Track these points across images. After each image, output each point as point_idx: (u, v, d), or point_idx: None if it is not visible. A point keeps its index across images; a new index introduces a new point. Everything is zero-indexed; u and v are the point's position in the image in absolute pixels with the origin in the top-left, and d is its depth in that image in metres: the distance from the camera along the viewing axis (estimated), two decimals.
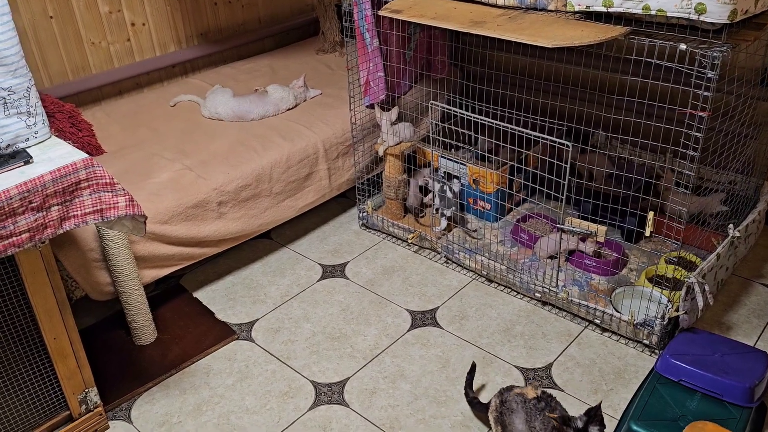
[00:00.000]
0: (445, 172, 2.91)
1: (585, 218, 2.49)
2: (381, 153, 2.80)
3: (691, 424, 1.35)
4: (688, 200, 2.56)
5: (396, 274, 2.73)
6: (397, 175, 2.86)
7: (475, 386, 2.17)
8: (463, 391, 2.10)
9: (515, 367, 2.26)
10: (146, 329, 2.40)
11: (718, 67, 1.80)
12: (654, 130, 2.34)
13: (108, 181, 1.75)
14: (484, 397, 2.11)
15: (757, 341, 2.32)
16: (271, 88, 3.04)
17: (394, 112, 2.74)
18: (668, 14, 1.85)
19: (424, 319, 2.49)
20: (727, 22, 1.77)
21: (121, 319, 2.45)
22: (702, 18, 1.80)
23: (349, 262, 2.83)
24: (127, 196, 1.79)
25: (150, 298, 2.53)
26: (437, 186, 2.76)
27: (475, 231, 2.79)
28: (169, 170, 2.56)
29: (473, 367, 2.10)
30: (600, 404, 1.68)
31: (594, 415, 1.66)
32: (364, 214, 3.01)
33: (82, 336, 2.03)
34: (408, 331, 2.44)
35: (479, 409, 2.03)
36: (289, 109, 3.03)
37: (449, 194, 2.70)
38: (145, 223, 1.86)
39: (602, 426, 1.68)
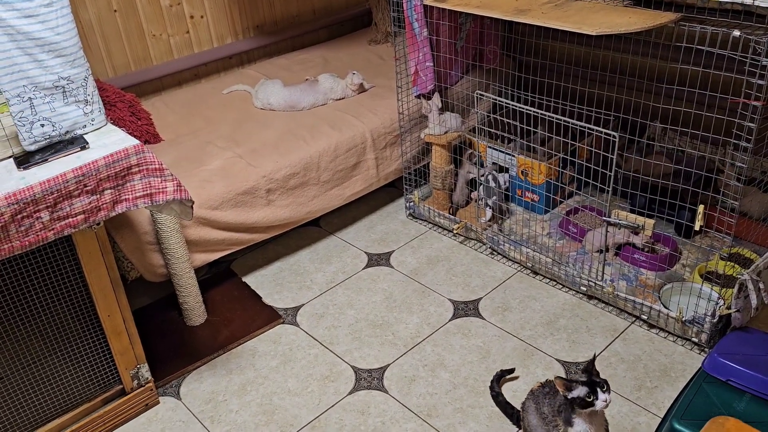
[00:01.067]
0: (493, 164, 2.89)
1: (635, 212, 2.43)
2: (423, 137, 2.80)
3: (713, 418, 1.31)
4: (755, 197, 2.47)
5: (440, 264, 2.74)
6: (444, 166, 2.86)
7: (514, 377, 2.16)
8: (489, 385, 2.08)
9: (556, 360, 2.24)
10: (197, 311, 2.49)
11: None
12: (709, 120, 2.27)
13: (157, 166, 1.83)
14: (517, 390, 2.10)
15: None
16: (322, 77, 3.09)
17: (436, 98, 2.74)
18: (721, 0, 1.79)
19: (466, 309, 2.49)
20: None
21: (174, 301, 2.55)
22: (757, 3, 1.72)
23: (394, 251, 2.85)
24: (176, 181, 1.86)
25: (201, 281, 2.63)
26: (482, 174, 2.75)
27: (512, 234, 2.76)
28: (221, 158, 2.64)
29: (511, 370, 2.07)
30: (594, 358, 1.64)
31: (590, 368, 1.62)
32: (411, 204, 3.03)
33: (137, 315, 2.13)
34: (450, 320, 2.45)
35: (501, 406, 2.01)
36: (336, 100, 3.07)
37: (492, 183, 2.68)
38: (192, 207, 1.93)
39: (603, 381, 1.63)
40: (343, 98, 3.09)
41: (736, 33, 1.78)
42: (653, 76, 2.66)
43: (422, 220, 3.04)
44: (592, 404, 1.59)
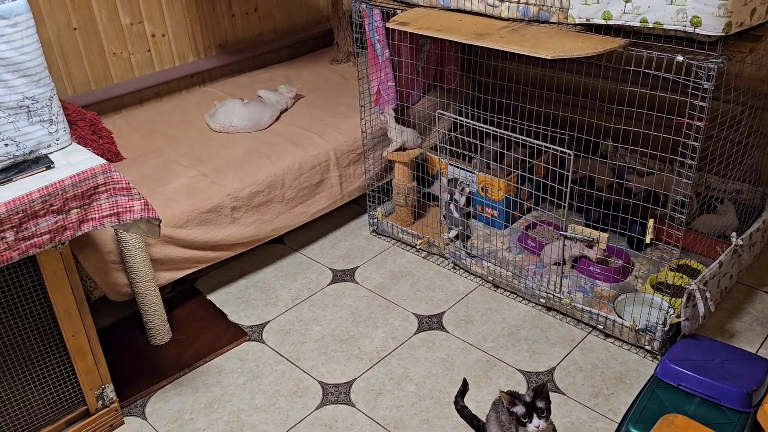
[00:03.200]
0: (452, 179, 2.97)
1: (589, 226, 2.54)
2: (385, 155, 2.87)
3: (664, 416, 1.39)
4: (705, 218, 2.60)
5: (404, 279, 2.79)
6: (406, 183, 2.92)
7: (478, 388, 2.22)
8: (453, 400, 2.11)
9: (518, 370, 2.31)
10: (161, 329, 2.48)
11: (714, 78, 1.85)
12: (657, 139, 2.39)
13: (124, 185, 1.84)
14: (481, 401, 2.16)
15: (759, 349, 2.35)
16: (262, 92, 3.14)
17: (389, 109, 2.81)
18: (665, 27, 1.90)
19: (430, 322, 2.55)
20: (722, 34, 1.82)
21: (138, 320, 2.54)
22: (698, 30, 1.84)
23: (359, 267, 2.90)
24: (143, 200, 1.88)
25: (165, 299, 2.63)
26: (446, 197, 2.82)
27: (475, 250, 2.84)
28: (185, 176, 2.65)
29: (464, 381, 2.09)
30: (546, 382, 1.72)
31: (540, 391, 1.70)
32: (375, 220, 3.08)
33: (101, 335, 2.12)
34: (414, 334, 2.50)
35: (467, 418, 2.04)
36: (282, 112, 3.17)
37: (455, 213, 2.76)
38: (159, 226, 1.95)
39: (548, 401, 1.70)
40: (286, 109, 3.19)
41: (680, 58, 1.90)
42: (605, 96, 2.78)
43: (386, 236, 3.09)
44: (524, 425, 1.69)
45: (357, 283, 2.79)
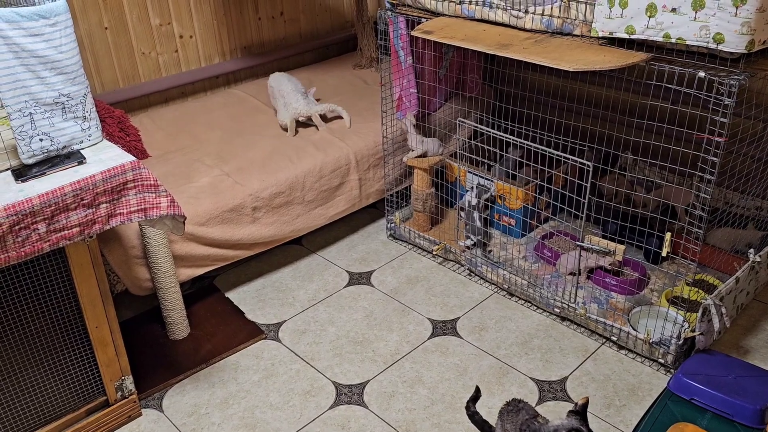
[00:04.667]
0: (478, 185, 2.98)
1: (606, 237, 2.55)
2: (405, 161, 2.90)
3: (674, 425, 1.41)
4: (722, 232, 2.60)
5: (420, 284, 2.82)
6: (425, 189, 2.95)
7: (490, 395, 2.24)
8: (465, 405, 2.12)
9: (530, 378, 2.32)
10: (180, 325, 2.53)
11: (735, 95, 1.86)
12: (677, 153, 2.40)
13: (152, 182, 1.89)
14: (492, 407, 2.18)
15: None
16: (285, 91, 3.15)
17: (410, 117, 2.84)
18: (688, 43, 1.92)
19: (444, 328, 2.58)
20: (745, 51, 1.83)
21: (158, 314, 2.59)
22: (720, 47, 1.86)
23: (375, 270, 2.93)
24: (169, 197, 1.93)
25: (185, 296, 2.68)
26: (466, 204, 2.83)
27: (493, 258, 2.85)
28: (208, 175, 2.70)
29: (477, 389, 2.10)
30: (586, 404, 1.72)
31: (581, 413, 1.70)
32: (392, 225, 3.11)
33: (121, 328, 2.17)
34: (428, 339, 2.52)
35: (478, 424, 2.05)
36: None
37: (477, 223, 2.77)
38: (184, 223, 2.00)
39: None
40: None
41: (702, 74, 1.91)
42: (626, 109, 2.80)
43: (403, 240, 3.12)
44: None
45: (373, 286, 2.83)
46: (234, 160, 2.82)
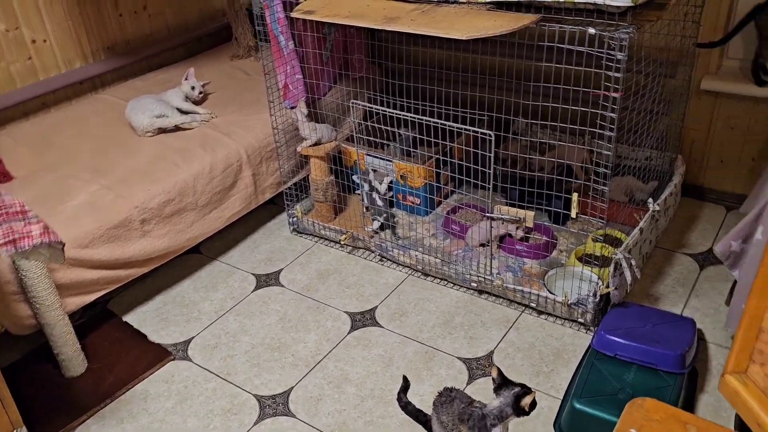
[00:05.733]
0: (371, 170, 2.90)
1: (513, 205, 2.54)
2: (299, 150, 2.77)
3: (631, 401, 1.39)
4: (612, 183, 2.65)
5: (332, 277, 2.71)
6: (324, 177, 2.83)
7: (420, 381, 2.18)
8: (396, 397, 2.05)
9: (458, 358, 2.28)
10: (75, 360, 2.28)
11: (626, 48, 1.86)
12: (573, 113, 2.41)
13: (18, 209, 1.66)
14: (424, 394, 2.11)
15: (683, 309, 2.43)
16: (169, 95, 2.97)
17: (301, 106, 2.71)
18: (575, 0, 1.90)
19: (363, 319, 2.48)
20: (631, 4, 1.83)
21: (48, 352, 2.32)
22: (607, 2, 1.85)
23: (282, 269, 2.78)
24: (41, 224, 1.70)
25: (77, 326, 2.41)
26: (366, 187, 2.75)
27: (404, 239, 2.79)
28: (86, 191, 2.45)
29: (405, 378, 2.03)
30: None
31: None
32: (294, 218, 2.97)
33: (7, 373, 1.93)
34: (348, 333, 2.42)
35: (412, 414, 1.99)
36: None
37: (379, 202, 2.70)
38: (63, 249, 1.77)
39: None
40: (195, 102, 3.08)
41: (592, 30, 1.90)
42: (519, 75, 2.79)
43: (307, 234, 2.99)
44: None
45: (283, 286, 2.68)
46: (113, 172, 2.57)
